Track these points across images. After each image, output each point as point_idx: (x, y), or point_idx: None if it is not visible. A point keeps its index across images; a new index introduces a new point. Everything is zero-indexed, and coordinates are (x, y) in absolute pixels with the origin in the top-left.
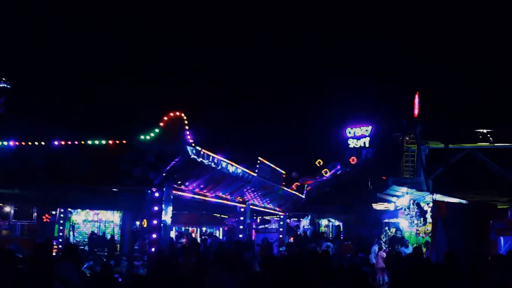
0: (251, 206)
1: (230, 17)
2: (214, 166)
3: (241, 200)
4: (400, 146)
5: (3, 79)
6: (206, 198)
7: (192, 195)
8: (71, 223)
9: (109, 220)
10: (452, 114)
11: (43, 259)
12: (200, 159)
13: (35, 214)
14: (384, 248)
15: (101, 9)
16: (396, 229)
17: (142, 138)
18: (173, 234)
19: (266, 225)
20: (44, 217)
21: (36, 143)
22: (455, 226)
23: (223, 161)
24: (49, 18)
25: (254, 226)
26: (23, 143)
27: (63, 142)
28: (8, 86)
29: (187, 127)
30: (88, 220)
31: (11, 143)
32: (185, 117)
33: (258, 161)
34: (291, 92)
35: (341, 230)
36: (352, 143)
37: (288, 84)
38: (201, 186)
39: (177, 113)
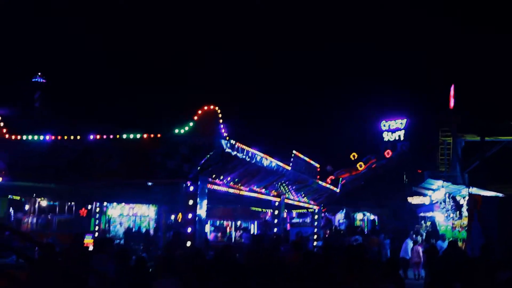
0: (285, 200)
1: (261, 16)
2: (249, 159)
3: (275, 193)
4: (436, 140)
5: (39, 73)
6: (241, 192)
7: (227, 189)
8: (107, 217)
9: (144, 215)
10: (488, 107)
11: (78, 252)
12: (235, 152)
13: (72, 208)
14: (420, 242)
15: (135, 7)
16: (431, 223)
17: (176, 132)
18: (208, 228)
19: (301, 219)
20: (80, 211)
21: (71, 137)
22: (491, 220)
23: (258, 154)
24: (83, 16)
25: (288, 220)
26: (58, 137)
27: (97, 137)
28: (43, 81)
29: (221, 120)
30: (123, 215)
31: (47, 137)
32: (218, 110)
33: (293, 155)
34: (326, 86)
35: (376, 224)
36: (387, 136)
37: (323, 78)
38: (236, 179)
39: (211, 107)
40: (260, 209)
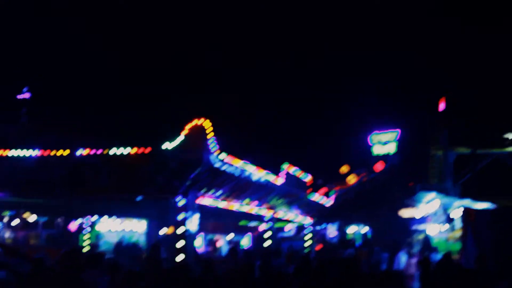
0: (277, 214)
1: (246, 22)
2: (238, 174)
3: (267, 207)
4: (427, 152)
5: (25, 89)
6: (231, 206)
7: (217, 203)
8: (96, 233)
9: (134, 229)
10: (479, 119)
11: (69, 267)
12: (224, 167)
13: (60, 223)
14: (415, 254)
15: (123, 14)
16: (424, 236)
17: (165, 147)
18: (200, 241)
19: (292, 233)
20: (69, 226)
21: (59, 153)
22: (485, 232)
23: (247, 168)
24: (66, 23)
25: (280, 234)
26: (46, 153)
27: (86, 152)
28: (28, 96)
29: (210, 135)
30: (112, 230)
31: (34, 152)
32: (208, 125)
33: (283, 169)
34: (314, 96)
35: (368, 237)
36: (378, 149)
37: (312, 88)
38: (226, 194)
39: (200, 121)
40: (251, 223)
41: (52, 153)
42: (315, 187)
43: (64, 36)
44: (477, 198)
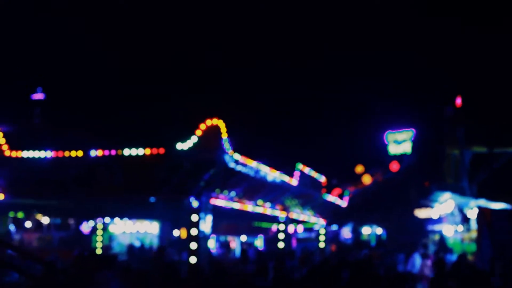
0: (291, 215)
1: (259, 24)
2: (253, 175)
3: (281, 208)
4: (443, 151)
5: (38, 89)
6: (245, 207)
7: (231, 204)
8: (109, 234)
9: (147, 231)
10: (496, 118)
11: (82, 269)
12: (238, 167)
13: (73, 225)
14: (430, 255)
15: (135, 15)
16: (440, 236)
17: (179, 148)
18: (213, 243)
19: (306, 234)
20: (82, 228)
21: (72, 154)
22: (501, 233)
23: (262, 169)
24: (68, 22)
25: (295, 235)
26: (59, 153)
27: (99, 153)
28: (43, 97)
29: (225, 135)
30: (125, 231)
31: (48, 153)
32: (222, 125)
33: (298, 169)
34: (329, 95)
35: (382, 238)
36: (393, 148)
37: (327, 88)
38: (240, 194)
39: (214, 121)
40: (265, 224)
41: (65, 154)
42: (329, 188)
43: (69, 36)
44: (493, 198)
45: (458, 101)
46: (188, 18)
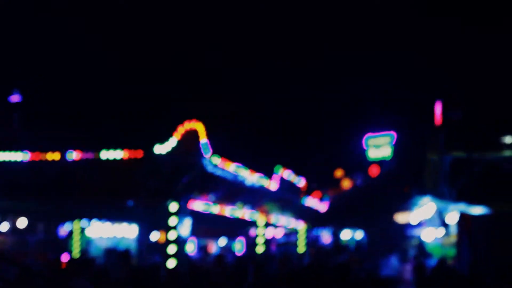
0: (271, 219)
1: (242, 24)
2: (232, 178)
3: (260, 212)
4: (423, 156)
5: (15, 91)
6: (223, 211)
7: (209, 208)
8: (86, 238)
9: (124, 235)
10: (476, 122)
11: (58, 274)
12: (217, 171)
13: (49, 228)
14: (409, 259)
15: (113, 12)
16: (419, 241)
17: (157, 150)
18: (192, 247)
19: (286, 238)
20: (58, 231)
21: (49, 156)
22: (480, 238)
23: (241, 173)
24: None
25: (274, 239)
26: (35, 156)
27: (76, 155)
28: (19, 99)
29: (204, 138)
30: (103, 235)
31: (24, 156)
32: (201, 127)
33: (277, 173)
34: (309, 96)
35: (362, 242)
36: (373, 153)
37: (306, 89)
38: (219, 198)
39: (193, 124)
40: (244, 228)
41: (42, 156)
42: (309, 192)
43: (56, 37)
44: (473, 202)
45: (438, 106)
46: (183, 17)
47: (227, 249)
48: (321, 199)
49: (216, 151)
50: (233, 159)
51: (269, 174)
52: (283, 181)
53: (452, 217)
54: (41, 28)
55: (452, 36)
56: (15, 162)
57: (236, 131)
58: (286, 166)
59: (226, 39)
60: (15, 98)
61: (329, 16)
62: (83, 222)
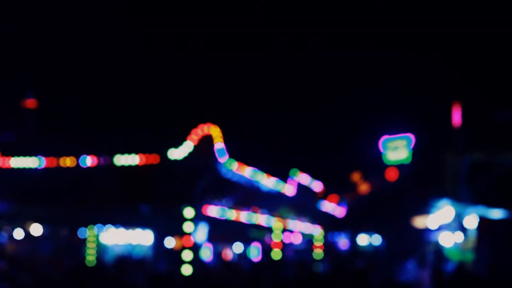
0: (287, 224)
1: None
2: (247, 183)
3: (276, 217)
4: (442, 158)
5: (29, 94)
6: (240, 216)
7: (225, 213)
8: (101, 245)
9: (140, 241)
10: (496, 124)
11: (73, 281)
12: (233, 175)
13: (65, 235)
14: (428, 264)
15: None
16: (437, 245)
17: (173, 155)
18: (207, 253)
19: (304, 243)
20: (73, 238)
21: (65, 162)
22: (500, 242)
23: (257, 177)
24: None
25: (291, 245)
26: (51, 161)
27: (92, 160)
28: (34, 103)
29: (219, 142)
30: (118, 242)
31: (39, 161)
32: (216, 131)
33: (293, 176)
34: (324, 99)
35: (380, 247)
36: (390, 155)
37: (319, 90)
38: (234, 203)
39: (209, 127)
40: (261, 233)
41: (58, 162)
42: (326, 196)
43: (69, 40)
44: (492, 205)
45: (457, 107)
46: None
47: (243, 255)
48: (338, 204)
49: (232, 155)
50: (249, 163)
51: (285, 178)
52: (299, 186)
53: (471, 220)
54: (54, 30)
55: (473, 36)
56: (30, 168)
57: (253, 135)
58: (303, 169)
59: (241, 40)
60: (30, 103)
61: (345, 15)
62: (98, 229)
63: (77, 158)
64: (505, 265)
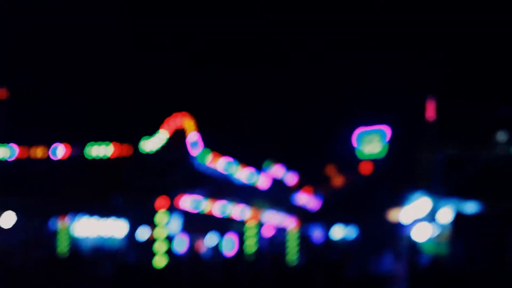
0: (261, 216)
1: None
2: (221, 174)
3: (251, 209)
4: (417, 152)
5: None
6: (214, 208)
7: (199, 205)
8: (73, 236)
9: (113, 233)
10: (470, 119)
11: (45, 273)
12: (207, 167)
13: (36, 226)
14: (402, 257)
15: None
16: (411, 238)
17: (147, 146)
18: (181, 244)
19: (278, 235)
20: (45, 229)
21: (36, 152)
22: (474, 236)
23: (231, 168)
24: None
25: (266, 236)
26: (22, 153)
27: (64, 150)
28: (5, 94)
29: (193, 133)
30: (91, 233)
31: (10, 151)
32: (190, 122)
33: (267, 166)
34: (300, 91)
35: (354, 239)
36: (365, 148)
37: (297, 82)
38: (209, 194)
39: (183, 117)
40: (234, 225)
41: (28, 152)
42: (300, 188)
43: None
44: (466, 199)
45: (432, 102)
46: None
47: (217, 246)
48: (313, 197)
49: (206, 145)
50: (224, 153)
51: (260, 168)
52: (274, 177)
53: (445, 214)
54: (29, 23)
55: (448, 31)
56: (1, 158)
57: (228, 125)
58: (278, 161)
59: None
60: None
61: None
62: (70, 220)
63: (49, 147)
64: (479, 259)
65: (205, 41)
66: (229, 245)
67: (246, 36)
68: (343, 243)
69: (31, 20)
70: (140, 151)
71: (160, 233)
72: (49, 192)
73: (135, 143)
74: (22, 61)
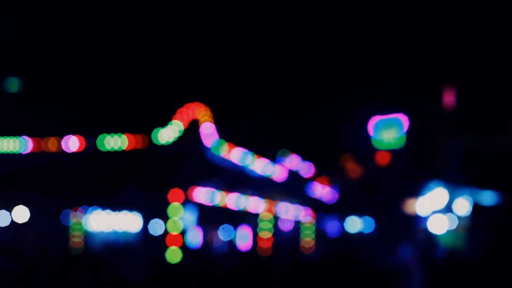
0: (277, 208)
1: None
2: (237, 166)
3: (266, 201)
4: (435, 141)
5: (11, 77)
6: (228, 200)
7: (214, 197)
8: (87, 230)
9: (127, 227)
10: (489, 107)
11: (58, 267)
12: (222, 158)
13: (50, 220)
14: (419, 248)
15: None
16: (429, 229)
17: (161, 139)
18: (196, 236)
19: (294, 227)
20: (59, 223)
21: (50, 144)
22: (491, 227)
23: (246, 159)
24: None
25: (282, 229)
26: (36, 145)
27: (79, 143)
28: (20, 84)
29: (208, 123)
30: (105, 227)
31: (23, 143)
32: (206, 112)
33: (282, 156)
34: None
35: (371, 231)
36: (381, 137)
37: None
38: (223, 186)
39: (198, 107)
40: (249, 217)
41: (42, 144)
42: (316, 179)
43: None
44: (485, 191)
45: (450, 90)
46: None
47: (231, 240)
48: (330, 188)
49: (222, 136)
50: (239, 144)
51: (276, 159)
52: (289, 168)
53: (463, 205)
54: (38, 13)
55: (466, 20)
56: (16, 152)
57: (243, 115)
58: (293, 151)
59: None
60: (12, 83)
61: None
62: (83, 213)
63: (65, 142)
64: (497, 251)
65: (217, 35)
66: (244, 239)
67: (263, 29)
68: (360, 235)
69: (46, 14)
70: (155, 142)
71: (174, 226)
72: (62, 185)
73: (149, 135)
74: (36, 53)
